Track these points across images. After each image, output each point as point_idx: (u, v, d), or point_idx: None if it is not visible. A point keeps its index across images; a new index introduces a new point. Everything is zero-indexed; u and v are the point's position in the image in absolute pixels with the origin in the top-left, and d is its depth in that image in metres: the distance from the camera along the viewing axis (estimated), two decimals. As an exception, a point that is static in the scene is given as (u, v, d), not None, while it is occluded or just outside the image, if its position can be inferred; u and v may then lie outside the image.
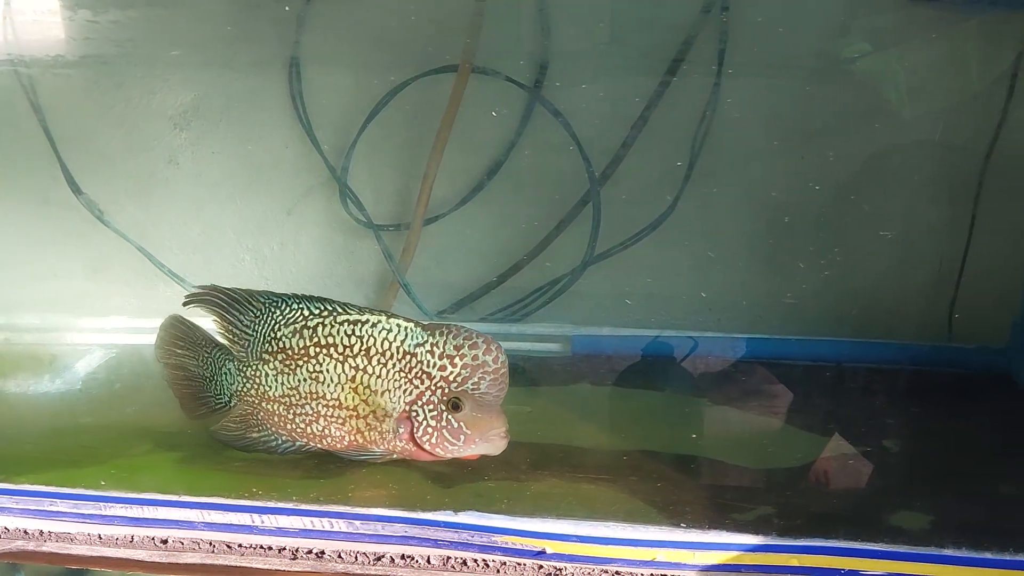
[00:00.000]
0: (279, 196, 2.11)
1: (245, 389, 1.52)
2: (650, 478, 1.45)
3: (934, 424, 1.68)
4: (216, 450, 1.57)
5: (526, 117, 1.98)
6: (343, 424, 1.47)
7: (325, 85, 2.02)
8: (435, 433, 1.42)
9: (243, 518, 1.35)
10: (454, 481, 1.46)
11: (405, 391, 1.43)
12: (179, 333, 1.57)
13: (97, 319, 2.13)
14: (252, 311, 1.51)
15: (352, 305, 1.48)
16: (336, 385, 1.46)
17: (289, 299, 1.51)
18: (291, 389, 1.49)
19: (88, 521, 1.38)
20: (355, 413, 1.46)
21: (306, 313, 1.49)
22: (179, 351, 1.56)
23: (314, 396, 1.47)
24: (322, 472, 1.49)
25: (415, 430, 1.43)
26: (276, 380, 1.50)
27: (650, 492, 1.40)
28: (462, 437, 1.41)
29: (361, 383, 1.45)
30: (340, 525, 1.34)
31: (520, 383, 1.79)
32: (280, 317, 1.50)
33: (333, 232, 2.14)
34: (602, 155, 1.95)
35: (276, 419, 1.50)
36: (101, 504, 1.38)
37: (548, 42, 1.92)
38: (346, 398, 1.46)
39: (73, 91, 2.04)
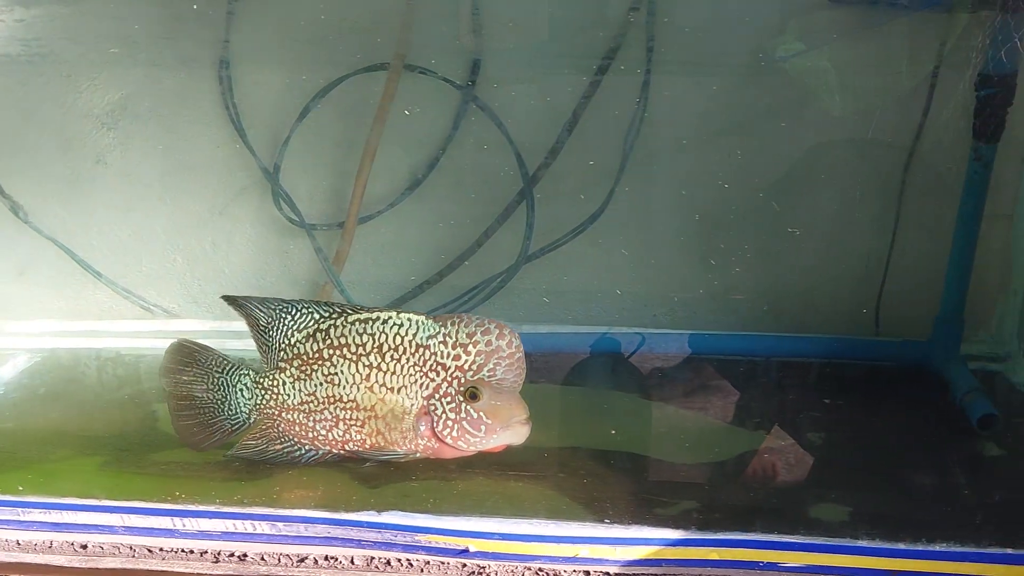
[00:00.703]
0: (211, 196, 2.09)
1: (264, 401, 1.48)
2: (576, 475, 1.46)
3: (856, 416, 1.71)
4: (138, 454, 1.55)
5: (460, 116, 1.98)
6: (362, 426, 1.45)
7: (256, 83, 2.00)
8: (455, 426, 1.40)
9: (164, 522, 1.34)
10: (380, 481, 1.45)
11: (421, 385, 1.42)
12: (187, 357, 1.50)
13: (23, 323, 2.09)
14: (266, 318, 1.48)
15: (363, 306, 1.47)
16: (352, 386, 1.44)
17: (299, 304, 1.48)
18: (309, 395, 1.46)
19: (5, 527, 1.35)
20: (373, 413, 1.44)
21: (317, 316, 1.46)
22: (187, 377, 1.49)
23: (331, 400, 1.45)
24: (249, 474, 1.48)
25: (435, 425, 1.41)
26: (294, 388, 1.47)
27: (576, 489, 1.41)
28: (483, 427, 1.40)
29: (376, 382, 1.43)
30: (263, 527, 1.33)
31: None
32: (292, 323, 1.47)
33: (266, 232, 2.12)
34: (536, 153, 1.96)
35: (297, 428, 1.48)
36: (19, 510, 1.36)
37: (481, 41, 1.92)
38: (362, 399, 1.44)
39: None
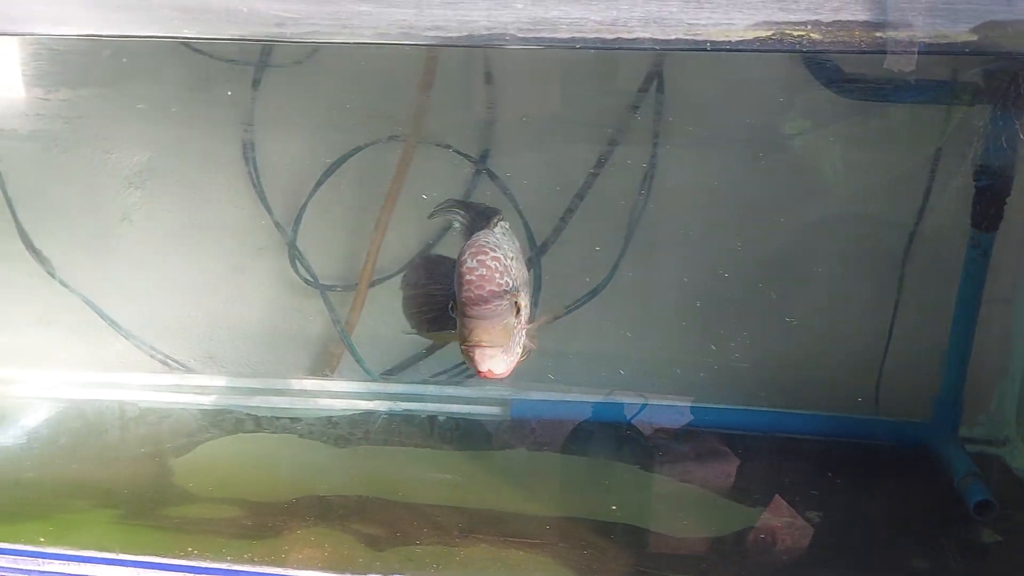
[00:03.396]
0: (229, 255, 2.15)
1: None
2: (577, 545, 1.50)
3: (854, 495, 1.74)
4: (153, 509, 1.60)
5: (472, 185, 2.05)
6: None
7: (278, 150, 2.08)
8: None
9: (177, 578, 1.38)
10: (386, 544, 1.49)
11: None
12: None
13: (44, 372, 2.15)
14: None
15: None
16: None
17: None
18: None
19: (24, 578, 1.40)
20: None
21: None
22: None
23: None
24: (259, 531, 1.52)
25: None
26: None
27: (576, 560, 1.44)
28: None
29: None
30: (271, 587, 1.37)
31: (456, 447, 1.84)
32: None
33: (282, 291, 2.18)
34: (545, 222, 2.02)
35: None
36: (39, 560, 1.40)
37: (494, 113, 2.00)
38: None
39: (30, 153, 2.07)
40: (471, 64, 1.97)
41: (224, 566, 1.39)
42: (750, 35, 1.04)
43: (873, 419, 1.99)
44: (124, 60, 1.84)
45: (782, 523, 1.60)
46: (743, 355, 1.99)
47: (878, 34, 1.04)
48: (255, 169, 2.07)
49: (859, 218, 1.96)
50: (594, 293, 2.01)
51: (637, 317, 2.05)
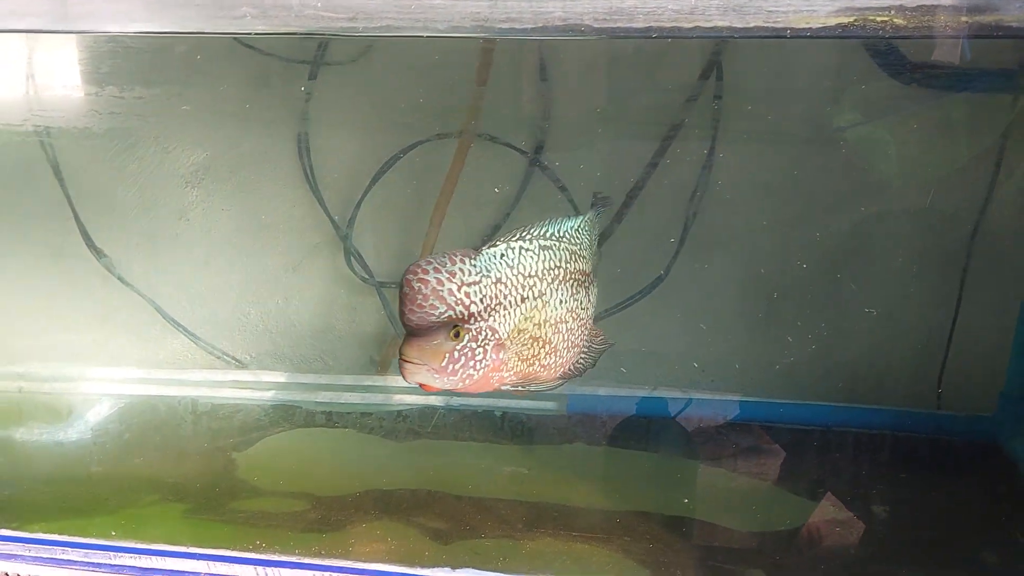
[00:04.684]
0: (285, 253, 2.17)
1: None
2: (643, 539, 1.49)
3: (922, 491, 1.72)
4: (219, 503, 1.61)
5: (525, 180, 2.05)
6: None
7: (333, 148, 2.09)
8: None
9: (247, 570, 1.39)
10: (451, 538, 1.49)
11: None
12: None
13: (106, 369, 2.17)
14: None
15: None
16: None
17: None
18: None
19: (98, 570, 1.42)
20: None
21: None
22: None
23: None
24: (325, 525, 1.53)
25: None
26: None
27: (642, 553, 1.44)
28: None
29: None
30: (341, 580, 1.38)
31: (517, 442, 1.84)
32: None
33: (336, 288, 2.19)
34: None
35: None
36: (111, 553, 1.42)
37: (549, 108, 1.99)
38: None
39: (91, 152, 2.10)
40: (525, 58, 1.96)
41: (293, 559, 1.39)
42: (832, 21, 1.03)
43: (938, 414, 1.96)
44: (198, 57, 1.85)
45: (844, 518, 1.58)
46: (805, 350, 1.97)
47: (964, 19, 1.02)
48: (310, 167, 2.08)
49: (921, 211, 1.93)
50: (652, 287, 2.00)
51: (696, 311, 2.04)
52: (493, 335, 1.35)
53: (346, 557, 1.41)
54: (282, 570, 1.39)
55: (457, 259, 1.34)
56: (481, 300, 1.33)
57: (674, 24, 1.06)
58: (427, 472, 1.75)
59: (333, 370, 2.16)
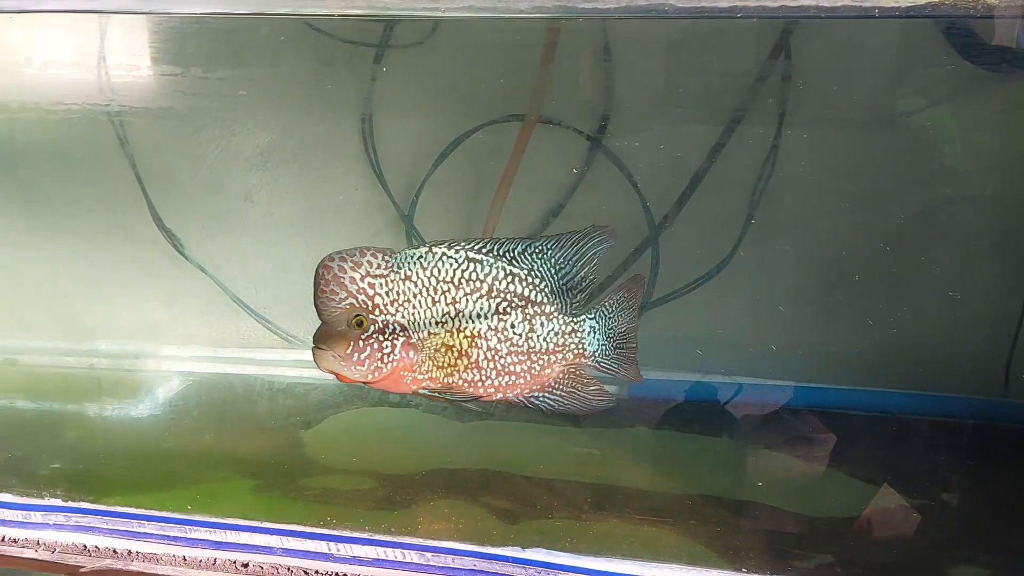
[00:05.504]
0: (348, 235, 2.19)
1: None
2: (709, 522, 1.49)
3: (990, 478, 1.70)
4: (288, 479, 1.64)
5: (588, 163, 2.05)
6: None
7: (396, 131, 2.10)
8: None
9: (320, 546, 1.41)
10: (518, 517, 1.51)
11: None
12: None
13: (174, 347, 2.22)
14: None
15: None
16: None
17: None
18: None
19: (173, 543, 1.45)
20: None
21: None
22: None
23: None
24: (392, 503, 1.55)
25: None
26: None
27: (710, 536, 1.44)
28: None
29: None
30: (412, 556, 1.40)
31: (578, 424, 1.84)
32: None
33: (397, 270, 2.21)
34: (662, 202, 2.01)
35: None
36: (186, 527, 1.45)
37: (611, 90, 1.99)
38: None
39: (160, 134, 2.14)
40: (591, 40, 1.96)
41: (365, 535, 1.42)
42: (922, 0, 1.01)
43: (1003, 401, 1.93)
44: (282, 38, 1.87)
45: (907, 505, 1.57)
46: (871, 336, 1.95)
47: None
48: (374, 150, 2.10)
49: (989, 197, 1.90)
50: (715, 272, 1.99)
51: (759, 297, 2.02)
52: (402, 331, 1.40)
53: (416, 535, 1.43)
54: (354, 546, 1.41)
55: (368, 253, 1.43)
56: (387, 294, 1.41)
57: (759, 3, 1.05)
58: (491, 452, 1.76)
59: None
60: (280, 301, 2.22)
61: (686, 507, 1.55)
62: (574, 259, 1.45)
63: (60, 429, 1.85)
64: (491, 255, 1.43)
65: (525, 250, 1.44)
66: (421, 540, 1.41)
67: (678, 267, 2.03)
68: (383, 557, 1.40)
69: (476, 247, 1.43)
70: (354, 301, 1.40)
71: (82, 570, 1.46)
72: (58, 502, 1.50)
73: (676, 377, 2.04)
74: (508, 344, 1.43)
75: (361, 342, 1.39)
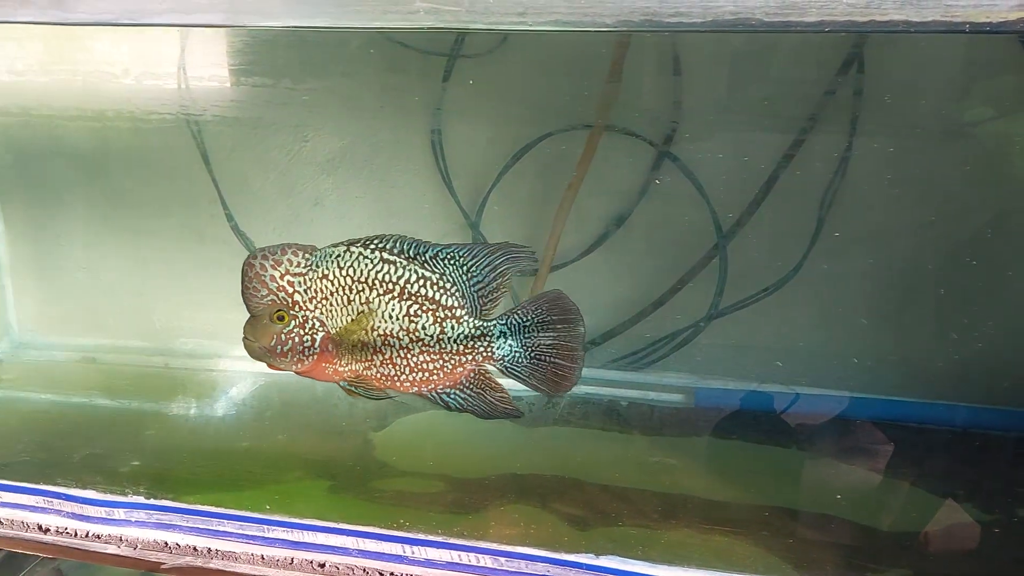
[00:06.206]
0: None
1: None
2: (781, 534, 1.49)
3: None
4: (360, 480, 1.67)
5: (654, 170, 2.05)
6: None
7: (464, 137, 2.12)
8: None
9: (395, 548, 1.44)
10: (588, 524, 1.52)
11: None
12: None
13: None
14: None
15: None
16: None
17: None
18: None
19: (252, 542, 1.48)
20: None
21: None
22: None
23: None
24: (463, 507, 1.57)
25: None
26: None
27: (784, 549, 1.43)
28: None
29: None
30: (486, 561, 1.41)
31: (643, 432, 1.85)
32: None
33: (463, 275, 2.23)
34: (730, 210, 2.00)
35: None
36: (264, 527, 1.48)
37: (680, 98, 1.99)
38: None
39: (235, 139, 2.19)
40: (660, 50, 1.97)
41: (439, 539, 1.44)
42: (1013, 16, 1.00)
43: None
44: (371, 51, 1.91)
45: (975, 521, 1.55)
46: (939, 349, 1.93)
47: None
48: (443, 156, 2.12)
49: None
50: (783, 283, 1.98)
51: (827, 309, 2.01)
52: (321, 327, 1.51)
53: (489, 539, 1.45)
54: (428, 549, 1.43)
55: (289, 251, 1.51)
56: (306, 291, 1.51)
57: (848, 18, 1.05)
58: (557, 458, 1.77)
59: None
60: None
61: (758, 518, 1.55)
62: (486, 269, 1.52)
63: (137, 427, 1.90)
64: (405, 257, 1.52)
65: (438, 255, 1.53)
66: (495, 545, 1.42)
67: (749, 275, 2.03)
68: (457, 561, 1.42)
69: (392, 248, 1.52)
70: (275, 298, 1.51)
71: (163, 566, 1.50)
72: (140, 499, 1.54)
73: (746, 387, 2.03)
74: (420, 344, 1.52)
75: (284, 335, 1.51)
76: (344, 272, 1.51)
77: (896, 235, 1.95)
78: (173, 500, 1.54)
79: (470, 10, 1.14)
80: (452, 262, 1.52)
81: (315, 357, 1.52)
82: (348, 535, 1.45)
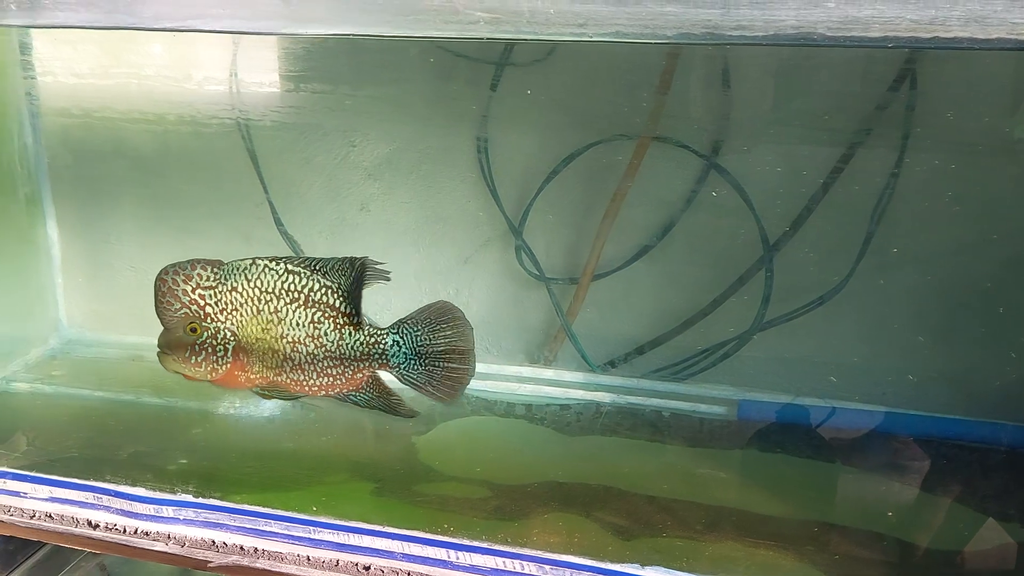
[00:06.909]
0: (458, 246, 2.24)
1: None
2: (826, 550, 1.48)
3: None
4: (403, 484, 1.68)
5: (700, 182, 2.05)
6: None
7: (510, 145, 2.13)
8: None
9: (440, 553, 1.44)
10: (632, 534, 1.52)
11: None
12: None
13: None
14: None
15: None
16: None
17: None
18: None
19: (298, 543, 1.49)
20: None
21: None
22: None
23: None
24: (506, 513, 1.58)
25: None
26: None
27: (830, 564, 1.42)
28: None
29: None
30: (531, 568, 1.41)
31: (686, 443, 1.85)
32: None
33: (505, 282, 2.24)
34: (777, 222, 2.00)
35: None
36: (310, 528, 1.50)
37: (728, 110, 1.99)
38: None
39: (284, 143, 2.21)
40: (709, 62, 1.97)
41: (484, 544, 1.44)
42: (1080, 34, 1.00)
43: None
44: (431, 60, 1.93)
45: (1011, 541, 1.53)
46: (982, 365, 1.91)
47: None
48: (488, 164, 2.13)
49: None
50: (825, 298, 1.97)
51: (874, 324, 2.00)
52: (233, 337, 1.63)
53: (535, 547, 1.45)
54: (473, 555, 1.44)
55: (199, 265, 1.63)
56: (216, 304, 1.62)
57: (911, 34, 1.05)
58: (600, 467, 1.77)
59: (502, 360, 2.22)
60: (391, 307, 2.27)
61: (802, 533, 1.54)
62: (356, 281, 1.69)
63: (184, 426, 1.92)
64: (307, 268, 1.65)
65: (334, 267, 1.67)
66: (540, 552, 1.42)
67: (798, 289, 2.02)
68: (502, 567, 1.43)
69: (295, 262, 1.64)
70: (187, 311, 1.62)
71: (209, 565, 1.52)
72: (189, 498, 1.56)
73: (789, 400, 2.02)
74: (323, 350, 1.64)
75: (197, 347, 1.63)
76: (252, 284, 1.62)
77: (946, 251, 1.93)
78: (221, 499, 1.56)
79: (531, 21, 1.15)
80: (344, 274, 1.67)
81: (228, 366, 1.64)
82: (393, 538, 1.46)
